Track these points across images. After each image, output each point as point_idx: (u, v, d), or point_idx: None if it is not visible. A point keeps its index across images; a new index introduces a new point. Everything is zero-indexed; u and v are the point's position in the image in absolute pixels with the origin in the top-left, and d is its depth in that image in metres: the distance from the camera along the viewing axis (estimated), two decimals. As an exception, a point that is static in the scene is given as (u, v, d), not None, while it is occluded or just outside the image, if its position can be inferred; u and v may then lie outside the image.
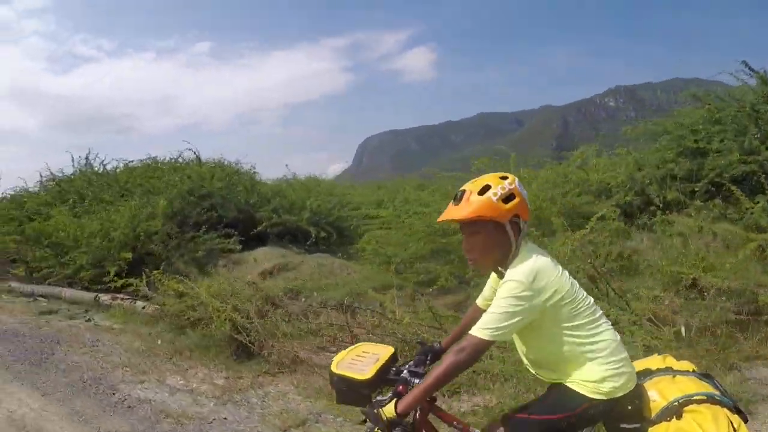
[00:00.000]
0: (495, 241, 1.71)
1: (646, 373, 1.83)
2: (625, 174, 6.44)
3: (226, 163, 11.11)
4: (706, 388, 1.72)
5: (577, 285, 1.75)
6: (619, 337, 1.77)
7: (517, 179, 1.75)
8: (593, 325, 1.71)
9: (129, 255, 7.76)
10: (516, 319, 1.62)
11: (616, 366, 1.68)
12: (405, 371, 1.88)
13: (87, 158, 12.53)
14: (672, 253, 4.87)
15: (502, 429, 1.81)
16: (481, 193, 1.68)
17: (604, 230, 5.29)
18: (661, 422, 1.65)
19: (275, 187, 11.00)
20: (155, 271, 6.40)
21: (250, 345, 4.74)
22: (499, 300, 1.64)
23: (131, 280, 6.70)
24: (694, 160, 6.01)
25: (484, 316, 1.65)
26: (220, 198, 9.30)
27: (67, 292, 8.09)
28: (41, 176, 12.84)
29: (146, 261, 7.84)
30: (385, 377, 1.85)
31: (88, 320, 6.85)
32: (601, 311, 1.78)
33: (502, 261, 1.75)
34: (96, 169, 12.24)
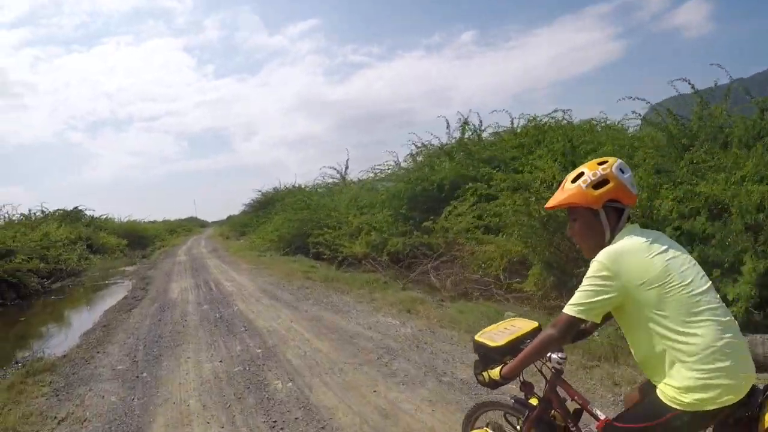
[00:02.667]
0: (590, 227, 1.74)
1: None
2: None
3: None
4: None
5: (683, 269, 1.57)
6: (725, 341, 1.48)
7: (619, 162, 1.71)
8: (688, 319, 1.50)
9: None
10: (597, 298, 1.60)
11: (707, 375, 1.45)
12: None
13: (466, 121, 11.70)
14: None
15: None
16: (574, 181, 1.72)
17: None
18: None
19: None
20: None
21: None
22: (584, 279, 1.65)
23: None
24: None
25: (575, 294, 1.66)
26: None
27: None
28: (416, 145, 12.71)
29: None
30: (519, 347, 1.91)
31: None
32: (711, 306, 1.52)
33: (599, 247, 1.69)
34: (473, 135, 11.47)
